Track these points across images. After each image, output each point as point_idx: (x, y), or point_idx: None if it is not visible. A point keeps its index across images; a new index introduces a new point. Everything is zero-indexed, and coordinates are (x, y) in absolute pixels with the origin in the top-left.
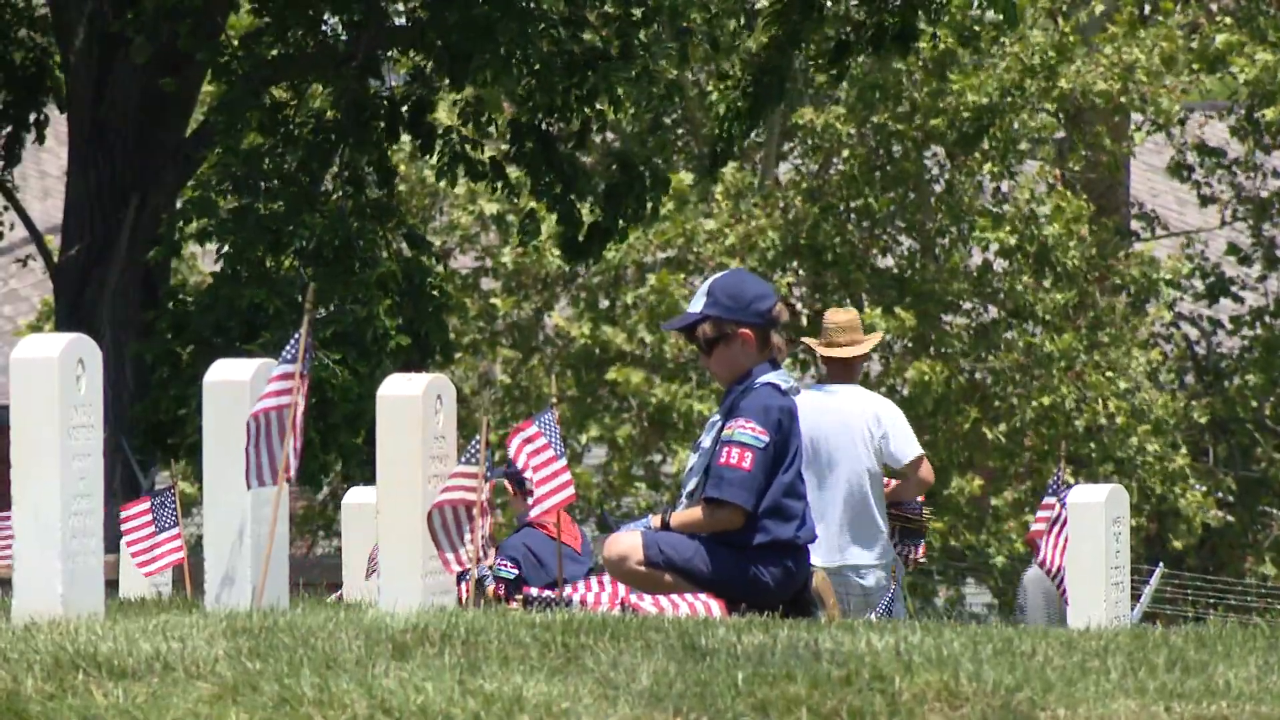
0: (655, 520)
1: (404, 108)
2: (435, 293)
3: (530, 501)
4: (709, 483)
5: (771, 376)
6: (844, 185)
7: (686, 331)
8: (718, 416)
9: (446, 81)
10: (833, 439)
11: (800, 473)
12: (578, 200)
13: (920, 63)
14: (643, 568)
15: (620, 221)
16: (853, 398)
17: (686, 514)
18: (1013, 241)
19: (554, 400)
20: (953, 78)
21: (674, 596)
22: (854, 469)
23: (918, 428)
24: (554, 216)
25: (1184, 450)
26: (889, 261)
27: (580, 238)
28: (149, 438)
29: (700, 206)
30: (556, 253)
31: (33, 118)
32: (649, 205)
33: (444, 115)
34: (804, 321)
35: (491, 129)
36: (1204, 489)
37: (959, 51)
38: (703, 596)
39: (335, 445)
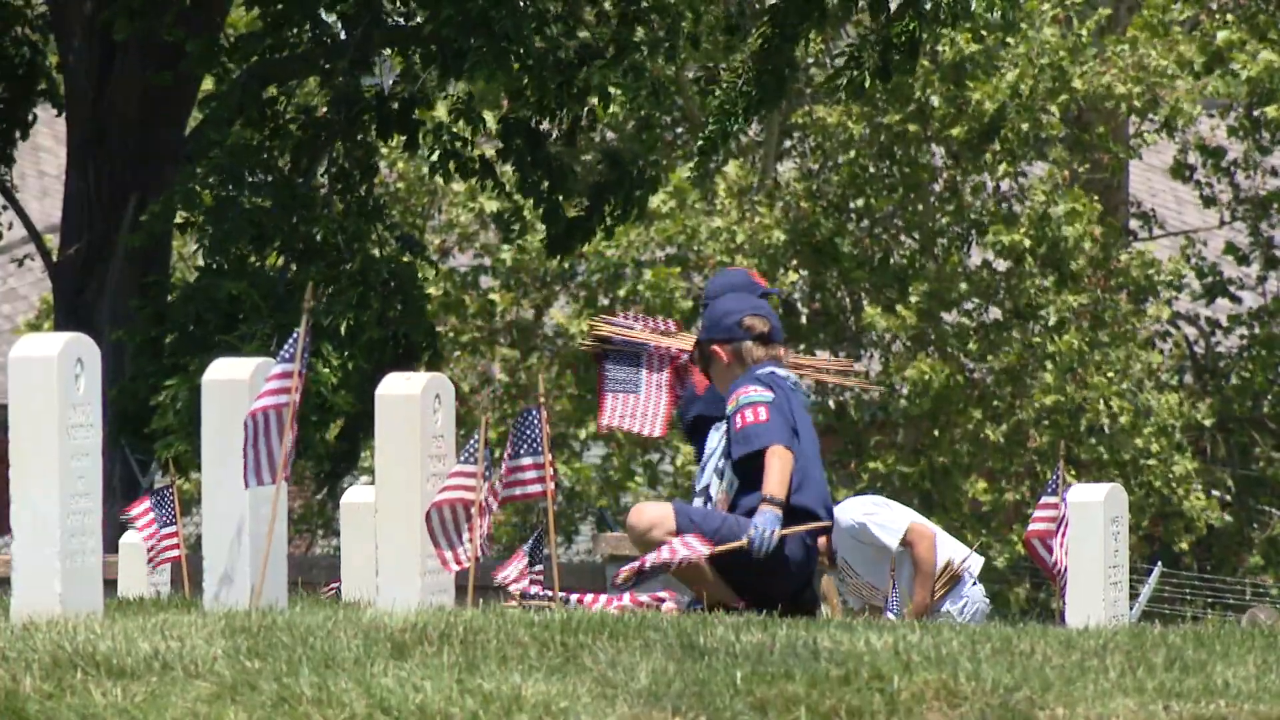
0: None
1: (394, 105)
2: (417, 292)
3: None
4: (735, 447)
5: (759, 371)
6: (846, 184)
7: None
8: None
9: (438, 78)
10: None
11: (813, 451)
12: (563, 199)
13: (933, 67)
14: (669, 538)
15: (605, 219)
16: None
17: (769, 476)
18: (1026, 244)
19: (541, 401)
20: (970, 83)
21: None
22: None
23: (916, 429)
24: (538, 213)
25: (1189, 453)
26: (890, 260)
27: (563, 233)
28: (120, 424)
29: (700, 205)
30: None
31: (25, 116)
32: (635, 205)
33: (440, 111)
34: (803, 321)
35: (482, 126)
36: (1202, 486)
37: (972, 52)
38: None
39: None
